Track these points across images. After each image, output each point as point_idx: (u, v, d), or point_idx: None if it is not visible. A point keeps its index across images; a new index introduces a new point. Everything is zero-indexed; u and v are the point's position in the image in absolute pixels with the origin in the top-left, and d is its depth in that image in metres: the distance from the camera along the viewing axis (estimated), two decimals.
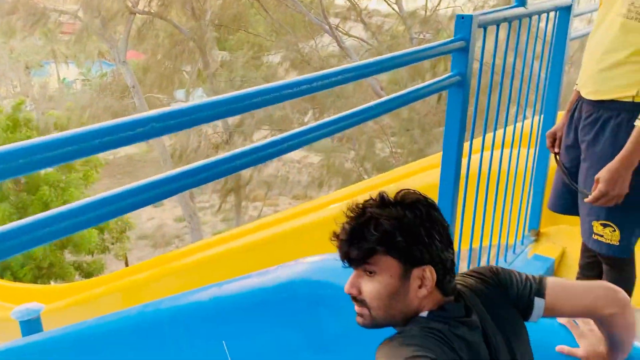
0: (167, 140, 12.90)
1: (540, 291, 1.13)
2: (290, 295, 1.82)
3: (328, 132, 1.40)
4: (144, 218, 18.47)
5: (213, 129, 12.75)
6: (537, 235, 2.77)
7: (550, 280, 1.16)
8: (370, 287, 1.03)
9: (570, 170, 1.99)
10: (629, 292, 1.97)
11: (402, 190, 1.08)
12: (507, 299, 1.13)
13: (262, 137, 12.53)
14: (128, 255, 14.03)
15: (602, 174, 1.70)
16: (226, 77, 12.70)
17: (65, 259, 11.72)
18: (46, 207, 10.87)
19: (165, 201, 18.09)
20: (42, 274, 10.94)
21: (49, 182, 11.11)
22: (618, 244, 1.82)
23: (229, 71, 12.80)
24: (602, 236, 1.84)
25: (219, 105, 1.16)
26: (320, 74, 1.34)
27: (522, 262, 2.56)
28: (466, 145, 1.95)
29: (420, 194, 1.09)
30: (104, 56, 18.62)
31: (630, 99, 1.72)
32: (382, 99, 1.56)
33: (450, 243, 1.07)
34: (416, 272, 1.02)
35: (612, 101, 1.76)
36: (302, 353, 1.81)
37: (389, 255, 1.01)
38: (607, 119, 1.79)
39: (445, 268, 1.05)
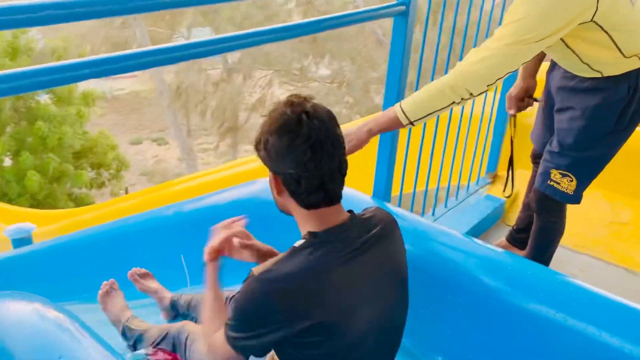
0: (167, 77, 12.89)
1: None
2: (241, 212, 1.97)
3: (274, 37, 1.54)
4: (149, 155, 18.67)
5: (213, 67, 12.72)
6: (494, 178, 2.91)
7: None
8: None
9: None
10: (555, 238, 2.12)
11: (292, 96, 1.17)
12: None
13: (262, 77, 12.52)
14: (130, 189, 14.29)
15: None
16: (228, 15, 12.56)
17: (63, 191, 11.96)
18: (43, 141, 11.00)
19: (170, 141, 18.15)
20: (38, 204, 11.19)
21: (45, 116, 11.18)
22: (572, 193, 1.94)
23: (231, 9, 12.64)
24: (558, 184, 1.95)
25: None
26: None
27: (473, 201, 2.71)
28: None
29: (302, 101, 1.14)
30: None
31: None
32: (325, 17, 1.67)
33: (314, 161, 1.11)
34: (271, 175, 1.18)
35: None
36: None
37: (258, 156, 1.19)
38: None
39: (296, 181, 1.13)
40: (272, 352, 1.21)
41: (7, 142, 10.98)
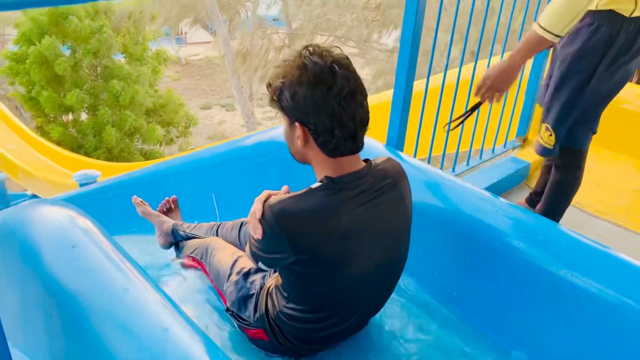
0: (235, 43, 13.18)
1: None
2: (262, 153, 2.15)
3: None
4: (216, 120, 19.27)
5: (276, 31, 12.91)
6: (524, 142, 2.93)
7: None
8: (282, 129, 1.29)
9: None
10: (569, 193, 2.15)
11: (313, 46, 1.17)
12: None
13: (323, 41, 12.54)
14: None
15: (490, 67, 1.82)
16: None
17: (134, 147, 12.67)
18: (116, 99, 11.66)
19: (237, 107, 18.63)
20: (113, 158, 11.94)
21: (120, 75, 11.82)
22: (552, 147, 2.00)
23: None
24: (542, 139, 2.03)
25: None
26: None
27: (499, 162, 2.76)
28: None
29: (328, 51, 1.15)
30: None
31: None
32: None
33: (348, 111, 1.14)
34: (297, 125, 1.18)
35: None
36: None
37: (278, 107, 1.21)
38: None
39: (329, 132, 1.15)
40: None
41: (84, 97, 11.72)
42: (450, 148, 2.54)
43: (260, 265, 1.27)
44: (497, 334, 1.53)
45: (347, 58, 1.17)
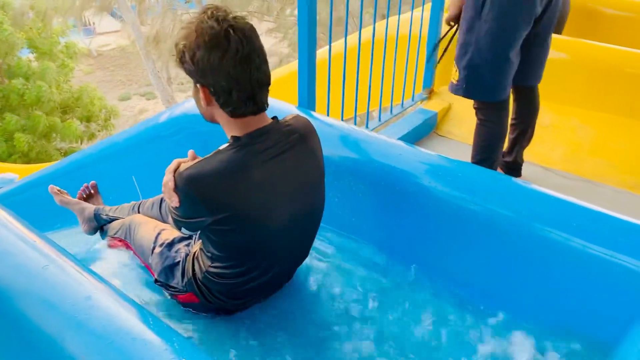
0: (143, 28, 12.75)
1: None
2: (177, 129, 2.16)
3: None
4: (137, 110, 18.64)
5: (187, 11, 12.59)
6: (430, 94, 3.09)
7: None
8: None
9: None
10: (489, 145, 2.22)
11: (213, 8, 1.20)
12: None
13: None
14: None
15: None
16: None
17: (53, 147, 12.05)
18: (22, 97, 11.02)
19: (157, 94, 18.09)
20: (31, 161, 11.33)
21: (23, 73, 11.15)
22: (457, 83, 2.12)
23: None
24: (452, 77, 2.15)
25: None
26: None
27: (408, 115, 2.90)
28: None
29: (226, 15, 1.19)
30: None
31: None
32: None
33: (244, 73, 1.18)
34: (199, 87, 1.25)
35: None
36: None
37: (183, 69, 1.26)
38: None
39: (228, 93, 1.21)
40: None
41: None
42: (362, 109, 2.66)
43: (184, 231, 1.32)
44: (424, 274, 1.63)
45: (247, 23, 1.22)
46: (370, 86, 2.64)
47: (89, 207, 1.95)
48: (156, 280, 1.55)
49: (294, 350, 1.41)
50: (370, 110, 2.78)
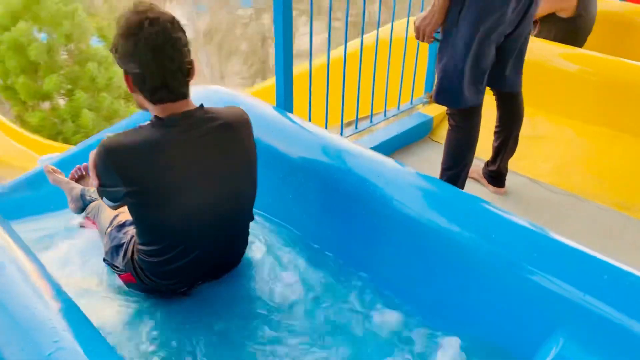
0: (202, 24, 13.17)
1: None
2: None
3: None
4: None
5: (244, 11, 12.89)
6: (431, 98, 3.07)
7: None
8: None
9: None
10: (459, 152, 2.21)
11: (140, 4, 1.31)
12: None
13: None
14: None
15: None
16: None
17: None
18: (93, 81, 11.70)
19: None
20: None
21: (96, 58, 11.86)
22: (435, 90, 2.15)
23: None
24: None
25: None
26: None
27: (403, 117, 2.91)
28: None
29: (146, 9, 1.28)
30: None
31: None
32: None
33: (155, 62, 1.28)
34: (124, 75, 1.36)
35: None
36: None
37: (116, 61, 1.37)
38: None
39: (142, 80, 1.31)
40: None
41: (61, 81, 11.76)
42: (363, 112, 2.71)
43: (105, 201, 1.43)
44: (363, 270, 1.66)
45: (166, 15, 1.31)
46: (373, 89, 2.68)
47: (77, 188, 2.08)
48: (104, 259, 1.65)
49: (210, 337, 1.46)
50: (374, 113, 2.81)
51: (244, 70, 13.76)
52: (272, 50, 12.75)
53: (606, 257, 1.33)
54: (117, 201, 1.43)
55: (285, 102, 2.29)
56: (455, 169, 2.22)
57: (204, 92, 2.14)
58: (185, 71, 1.34)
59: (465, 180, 2.27)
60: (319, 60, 3.32)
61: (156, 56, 1.28)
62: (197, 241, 1.48)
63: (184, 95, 1.37)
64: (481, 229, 1.47)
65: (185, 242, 1.46)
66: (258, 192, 1.59)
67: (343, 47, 2.52)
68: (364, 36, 2.63)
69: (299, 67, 3.42)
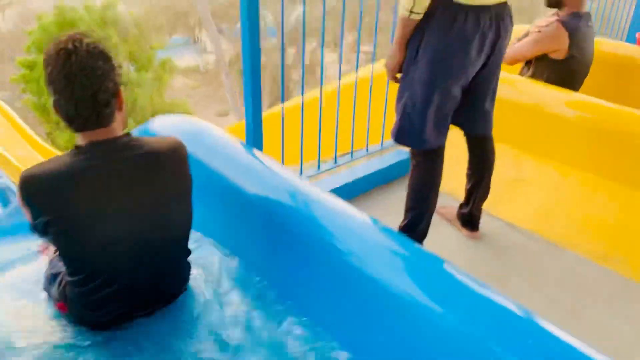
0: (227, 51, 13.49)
1: None
2: None
3: None
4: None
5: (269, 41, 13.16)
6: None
7: None
8: None
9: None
10: (420, 191, 2.14)
11: (66, 34, 1.32)
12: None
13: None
14: None
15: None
16: None
17: None
18: None
19: (231, 112, 18.79)
20: None
21: (123, 81, 12.22)
22: (394, 129, 2.10)
23: None
24: None
25: None
26: None
27: (387, 154, 2.87)
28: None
29: (67, 39, 1.29)
30: None
31: None
32: None
33: (68, 90, 1.27)
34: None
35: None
36: None
37: None
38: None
39: (59, 107, 1.31)
40: None
41: None
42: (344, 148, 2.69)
43: (37, 235, 1.41)
44: (305, 314, 1.60)
45: (89, 45, 1.30)
46: (353, 125, 2.67)
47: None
48: (44, 287, 1.63)
49: None
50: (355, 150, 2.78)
51: (264, 95, 13.99)
52: (294, 77, 12.94)
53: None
54: (43, 233, 1.41)
55: (254, 139, 2.29)
56: (418, 210, 2.15)
57: (167, 121, 2.16)
58: (102, 100, 1.32)
59: (429, 222, 2.19)
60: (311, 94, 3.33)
61: (69, 85, 1.28)
62: (118, 272, 1.45)
63: (102, 123, 1.35)
64: (426, 289, 1.40)
65: (105, 273, 1.43)
66: (213, 221, 1.54)
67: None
68: (342, 75, 2.62)
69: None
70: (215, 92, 22.09)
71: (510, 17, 2.01)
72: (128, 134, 1.41)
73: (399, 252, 1.51)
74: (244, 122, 4.16)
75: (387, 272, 1.45)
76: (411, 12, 1.82)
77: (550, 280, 2.22)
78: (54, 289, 1.56)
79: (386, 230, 1.60)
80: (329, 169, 2.68)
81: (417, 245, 1.53)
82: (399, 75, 2.03)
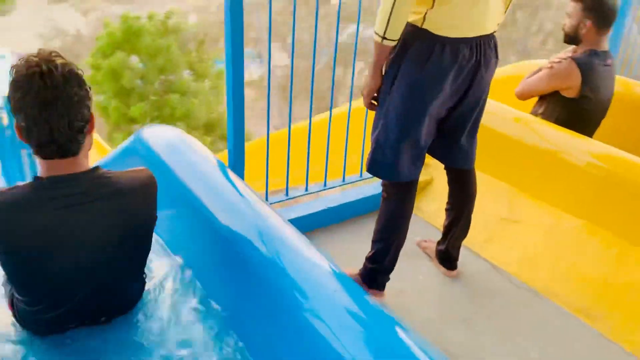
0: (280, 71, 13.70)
1: None
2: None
3: None
4: None
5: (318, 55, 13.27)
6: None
7: None
8: None
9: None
10: (388, 224, 2.07)
11: (40, 51, 1.25)
12: None
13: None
14: None
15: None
16: None
17: None
18: (173, 110, 12.52)
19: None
20: None
21: (181, 90, 12.73)
22: (368, 160, 2.05)
23: None
24: None
25: None
26: None
27: (368, 185, 2.82)
28: None
29: (40, 60, 1.21)
30: None
31: None
32: None
33: (43, 117, 1.21)
34: (15, 125, 1.28)
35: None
36: None
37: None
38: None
39: (29, 133, 1.25)
40: None
41: (148, 109, 12.72)
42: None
43: None
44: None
45: (63, 68, 1.23)
46: (327, 153, 2.66)
47: None
48: (2, 283, 1.64)
49: None
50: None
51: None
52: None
53: None
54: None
55: (235, 163, 2.32)
56: (385, 243, 2.09)
57: (156, 131, 2.22)
58: (77, 128, 1.28)
59: (396, 255, 2.12)
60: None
61: (44, 112, 1.22)
62: (65, 300, 1.44)
63: (73, 152, 1.31)
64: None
65: (51, 299, 1.42)
66: (179, 232, 1.59)
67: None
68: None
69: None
70: (275, 104, 22.49)
71: (495, 48, 1.93)
72: (97, 168, 1.37)
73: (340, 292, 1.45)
74: (259, 139, 4.26)
75: (324, 312, 1.39)
76: (384, 37, 1.76)
77: (522, 329, 2.11)
78: (7, 291, 1.57)
79: (331, 269, 1.57)
80: (297, 196, 2.67)
81: (365, 296, 1.46)
82: (375, 102, 2.00)
